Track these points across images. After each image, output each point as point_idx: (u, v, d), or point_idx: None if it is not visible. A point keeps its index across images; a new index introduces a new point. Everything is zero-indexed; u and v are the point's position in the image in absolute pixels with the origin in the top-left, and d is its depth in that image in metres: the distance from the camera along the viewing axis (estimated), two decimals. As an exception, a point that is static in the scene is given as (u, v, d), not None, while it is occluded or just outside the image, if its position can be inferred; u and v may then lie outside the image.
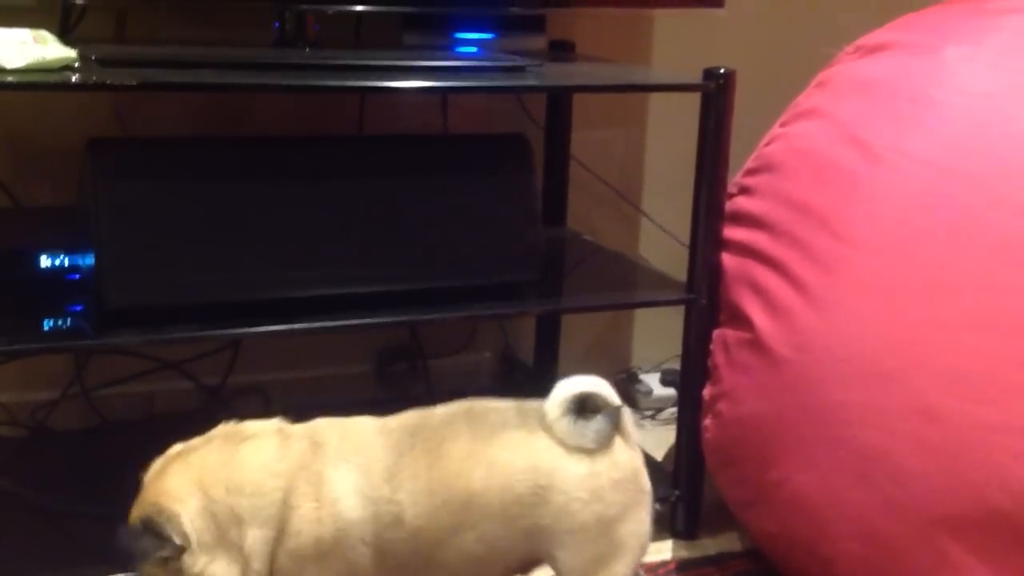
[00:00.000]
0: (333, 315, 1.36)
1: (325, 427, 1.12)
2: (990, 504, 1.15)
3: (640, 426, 1.95)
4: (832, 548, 1.27)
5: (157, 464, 1.10)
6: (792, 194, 1.39)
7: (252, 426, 1.12)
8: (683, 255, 1.55)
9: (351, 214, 1.39)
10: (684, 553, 1.54)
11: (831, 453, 1.26)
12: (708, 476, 1.53)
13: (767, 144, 1.49)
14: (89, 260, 1.33)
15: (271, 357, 1.81)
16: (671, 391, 2.00)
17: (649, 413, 2.01)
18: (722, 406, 1.41)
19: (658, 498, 1.59)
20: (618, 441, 1.11)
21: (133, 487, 1.10)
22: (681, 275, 1.55)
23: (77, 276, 1.38)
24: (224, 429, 1.12)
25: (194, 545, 1.04)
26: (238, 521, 1.05)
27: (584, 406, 1.10)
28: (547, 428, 1.10)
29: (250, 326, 1.32)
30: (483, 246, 1.46)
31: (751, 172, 1.48)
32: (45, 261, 1.37)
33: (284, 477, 1.07)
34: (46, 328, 1.28)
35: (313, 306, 1.36)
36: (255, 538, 1.05)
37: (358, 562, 1.08)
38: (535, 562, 1.14)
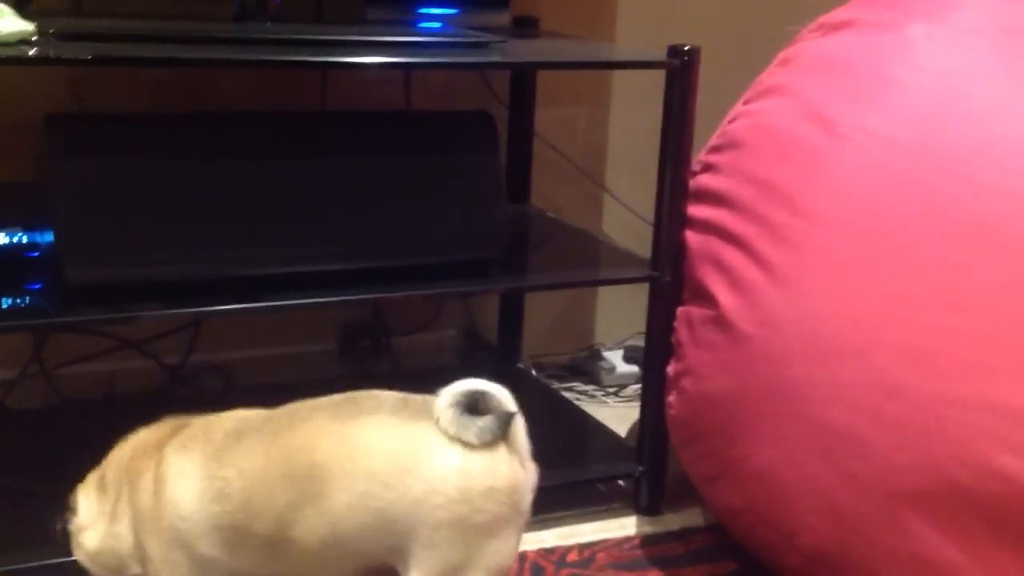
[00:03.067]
0: (296, 293, 1.35)
1: (199, 419, 1.13)
2: (951, 479, 1.17)
3: (603, 403, 1.96)
4: (795, 522, 1.28)
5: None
6: (755, 171, 1.40)
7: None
8: (646, 233, 1.56)
9: (314, 191, 1.38)
10: (648, 528, 1.55)
11: (795, 429, 1.27)
12: (671, 452, 1.54)
13: (731, 122, 1.49)
14: (48, 237, 1.31)
15: (233, 335, 1.80)
16: (634, 368, 2.01)
17: (612, 390, 2.02)
18: (686, 382, 1.42)
19: (622, 474, 1.62)
20: (505, 452, 1.03)
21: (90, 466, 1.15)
22: (644, 252, 1.55)
23: (36, 254, 1.36)
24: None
25: (80, 515, 1.13)
26: (113, 490, 1.12)
27: (477, 405, 1.03)
28: (430, 420, 1.03)
29: (212, 304, 1.31)
30: (447, 223, 1.46)
31: (715, 150, 1.49)
32: (2, 238, 1.35)
33: (137, 452, 1.12)
34: (4, 306, 1.27)
35: (276, 284, 1.35)
36: (119, 505, 1.11)
37: (200, 545, 1.06)
38: (390, 567, 1.05)
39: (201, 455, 1.07)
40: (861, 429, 1.22)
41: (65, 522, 1.14)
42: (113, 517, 1.12)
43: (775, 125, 1.40)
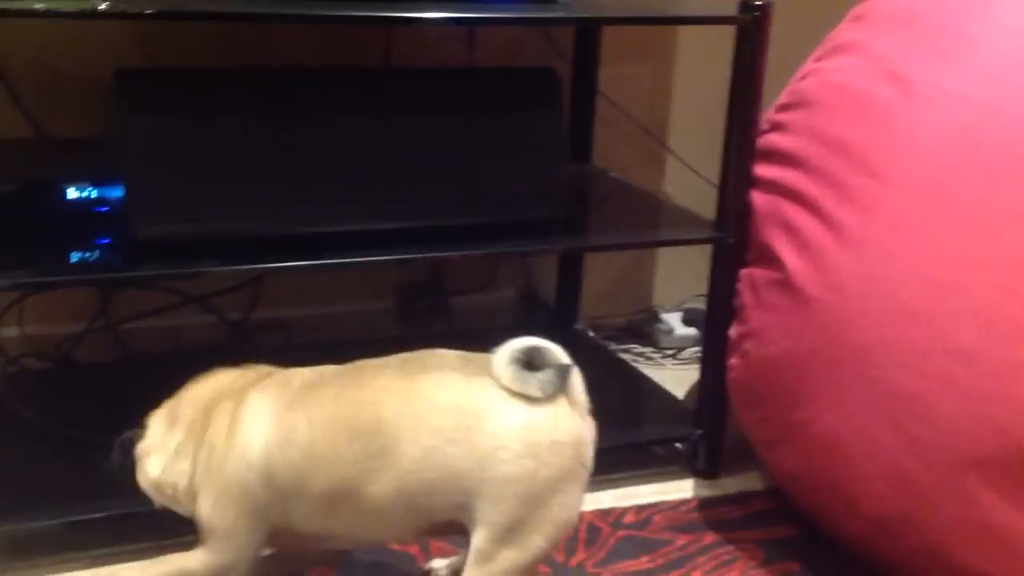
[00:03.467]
0: (356, 251, 1.35)
1: (287, 370, 1.14)
2: (1019, 445, 1.15)
3: (660, 365, 1.95)
4: (858, 487, 1.27)
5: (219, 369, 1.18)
6: (826, 130, 1.37)
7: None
8: (708, 193, 1.53)
9: (376, 148, 1.38)
10: (705, 492, 1.54)
11: (860, 393, 1.25)
12: (730, 415, 1.53)
13: (801, 79, 1.46)
14: (117, 192, 1.32)
15: (294, 293, 1.81)
16: (692, 331, 2.00)
17: (670, 352, 2.00)
18: (749, 345, 1.41)
19: (679, 437, 1.61)
20: (566, 406, 1.04)
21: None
22: (707, 213, 1.53)
23: (105, 209, 1.37)
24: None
25: (148, 439, 1.13)
26: (186, 426, 1.12)
27: (534, 361, 1.04)
28: (492, 376, 1.03)
29: (274, 261, 1.31)
30: (508, 182, 1.45)
31: (784, 108, 1.46)
32: (72, 193, 1.37)
33: (218, 393, 1.12)
34: (73, 260, 1.28)
35: (336, 242, 1.35)
36: (187, 443, 1.11)
37: (259, 491, 1.07)
38: (455, 523, 1.06)
39: (276, 401, 1.09)
40: (928, 394, 1.20)
41: (132, 440, 1.14)
42: (178, 453, 1.12)
43: (847, 83, 1.37)
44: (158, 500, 1.15)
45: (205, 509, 1.10)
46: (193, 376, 1.16)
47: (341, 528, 1.09)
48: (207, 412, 1.11)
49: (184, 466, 1.11)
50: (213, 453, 1.09)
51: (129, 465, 1.15)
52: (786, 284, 1.34)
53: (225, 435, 1.09)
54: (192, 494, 1.11)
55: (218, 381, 1.15)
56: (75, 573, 1.26)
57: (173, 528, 1.17)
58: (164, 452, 1.12)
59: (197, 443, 1.11)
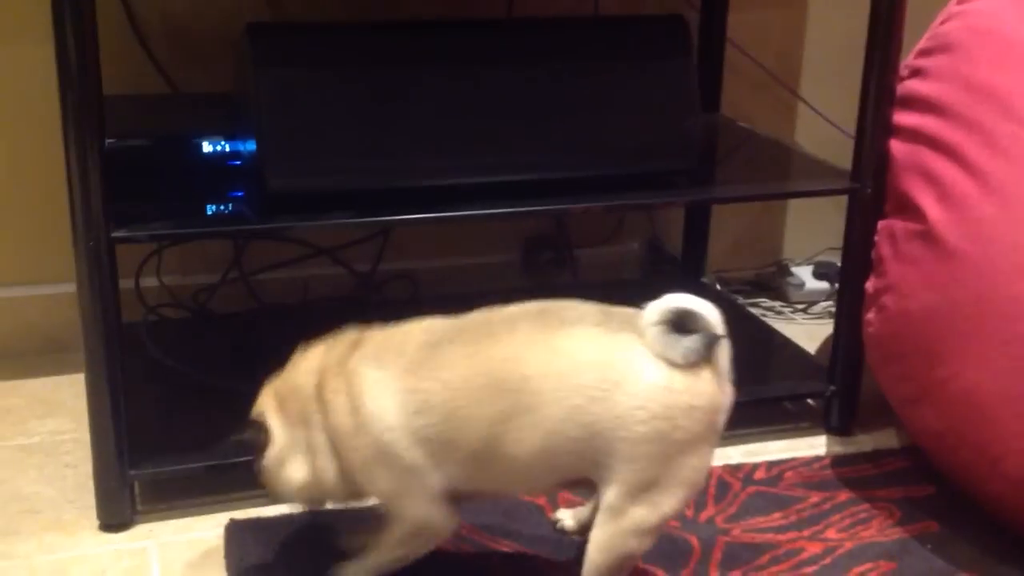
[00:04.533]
0: (480, 203, 1.34)
1: (376, 331, 1.11)
2: None
3: (790, 319, 1.91)
4: (1004, 446, 1.22)
5: (300, 353, 1.13)
6: (970, 76, 1.31)
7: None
8: (841, 142, 1.49)
9: (502, 101, 1.37)
10: (838, 449, 1.51)
11: (1006, 349, 1.20)
12: (865, 371, 1.49)
13: (943, 23, 1.40)
14: (249, 146, 1.34)
15: (421, 245, 1.83)
16: (824, 284, 1.95)
17: (800, 306, 1.96)
18: (887, 300, 1.36)
19: (812, 393, 1.58)
20: (708, 371, 1.01)
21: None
22: (840, 163, 1.49)
23: (238, 162, 1.40)
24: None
25: (276, 445, 1.10)
26: (302, 421, 1.09)
27: (684, 324, 1.01)
28: (634, 333, 1.01)
29: (401, 213, 1.32)
30: (636, 133, 1.42)
31: (924, 53, 1.40)
32: (206, 147, 1.39)
33: (317, 374, 1.09)
34: (209, 213, 1.31)
35: (462, 194, 1.35)
36: (314, 435, 1.08)
37: (406, 457, 1.05)
38: (586, 479, 1.05)
39: (396, 368, 1.06)
40: (1080, 352, 1.14)
41: (251, 442, 1.11)
42: (311, 449, 1.09)
43: (993, 26, 1.31)
44: (307, 504, 1.15)
45: (368, 485, 1.09)
46: (322, 327, 1.14)
47: (488, 485, 1.08)
48: (317, 398, 1.08)
49: (324, 461, 1.09)
50: (344, 436, 1.07)
51: (256, 467, 1.12)
52: (928, 236, 1.29)
53: (349, 414, 1.06)
54: (349, 482, 1.09)
55: (309, 364, 1.10)
56: (215, 515, 1.30)
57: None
58: (300, 452, 1.10)
59: (321, 432, 1.08)
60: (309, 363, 1.11)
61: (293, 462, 1.10)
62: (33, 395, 1.58)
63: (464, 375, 1.03)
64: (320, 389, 1.08)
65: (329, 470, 1.09)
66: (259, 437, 1.10)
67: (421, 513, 1.08)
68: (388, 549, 1.12)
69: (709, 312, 1.01)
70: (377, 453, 1.06)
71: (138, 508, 1.31)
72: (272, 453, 1.10)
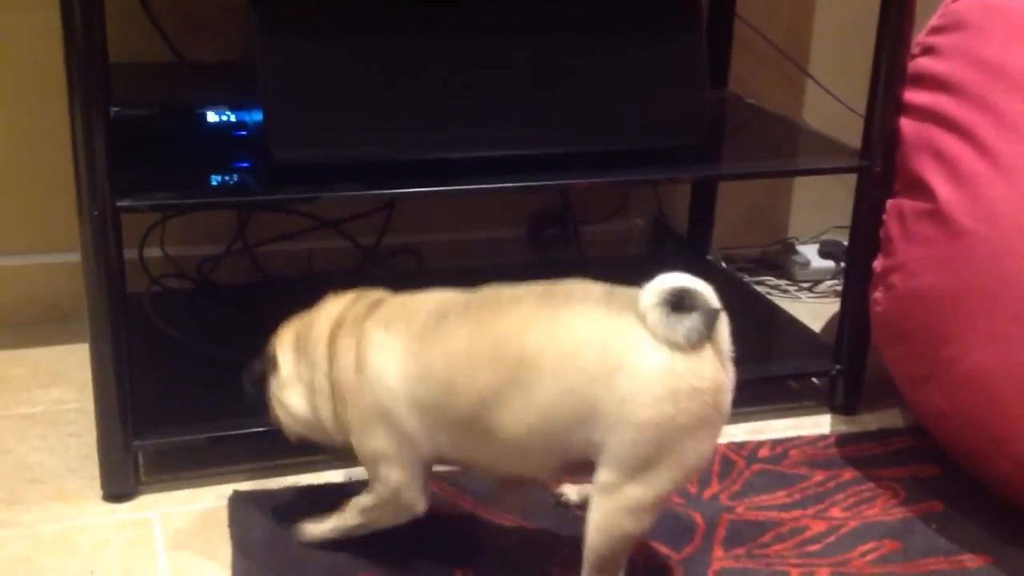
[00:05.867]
0: (486, 177, 1.34)
1: (396, 297, 1.14)
2: None
3: (795, 298, 1.91)
4: (1009, 427, 1.22)
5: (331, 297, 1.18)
6: (982, 54, 1.30)
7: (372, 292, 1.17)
8: (849, 120, 1.48)
9: (510, 74, 1.36)
10: (843, 428, 1.51)
11: (1014, 329, 1.20)
12: (871, 350, 1.49)
13: (955, 0, 1.38)
14: (255, 116, 1.33)
15: (425, 218, 1.82)
16: (830, 263, 1.94)
17: (806, 285, 1.95)
18: (895, 279, 1.35)
19: (817, 371, 1.57)
20: (709, 351, 1.00)
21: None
22: (849, 141, 1.48)
23: (244, 133, 1.39)
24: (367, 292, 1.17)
25: (281, 372, 1.14)
26: (310, 362, 1.13)
27: (682, 303, 1.00)
28: (637, 314, 1.01)
29: (406, 186, 1.31)
30: (643, 108, 1.41)
31: (936, 31, 1.39)
32: (212, 117, 1.38)
33: (335, 324, 1.12)
34: (213, 183, 1.30)
35: (467, 168, 1.34)
36: (318, 377, 1.12)
37: (403, 421, 1.07)
38: (588, 462, 1.04)
39: (405, 334, 1.08)
40: (1089, 333, 1.14)
41: (260, 369, 1.15)
42: (312, 388, 1.13)
43: (1006, 4, 1.30)
44: (296, 431, 1.17)
45: (357, 443, 1.12)
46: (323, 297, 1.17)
47: (483, 459, 1.09)
48: (328, 347, 1.12)
49: (322, 402, 1.12)
50: (347, 390, 1.10)
51: (259, 393, 1.17)
52: (937, 215, 1.29)
53: (354, 371, 1.09)
54: (342, 428, 1.13)
55: (331, 311, 1.14)
56: (218, 486, 1.30)
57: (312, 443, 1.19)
58: (303, 385, 1.14)
59: (325, 379, 1.12)
60: (331, 310, 1.14)
61: (294, 394, 1.14)
62: (36, 364, 1.58)
63: (466, 347, 1.05)
64: (333, 339, 1.12)
65: (326, 410, 1.13)
66: (266, 366, 1.15)
67: (397, 481, 1.11)
68: (352, 514, 1.17)
69: (704, 289, 1.01)
70: (375, 413, 1.09)
71: (142, 478, 1.31)
72: (277, 381, 1.15)
